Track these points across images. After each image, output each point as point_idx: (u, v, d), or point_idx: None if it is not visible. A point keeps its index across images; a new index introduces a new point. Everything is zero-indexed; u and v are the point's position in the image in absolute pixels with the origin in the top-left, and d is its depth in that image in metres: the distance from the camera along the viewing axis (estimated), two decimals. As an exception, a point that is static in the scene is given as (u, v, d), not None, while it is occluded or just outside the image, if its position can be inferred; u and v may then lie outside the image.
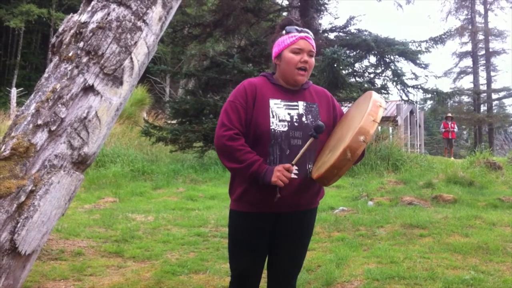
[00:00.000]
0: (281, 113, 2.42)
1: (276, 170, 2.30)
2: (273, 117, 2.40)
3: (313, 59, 2.50)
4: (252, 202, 2.45)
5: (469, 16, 36.40)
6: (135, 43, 2.63)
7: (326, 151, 2.40)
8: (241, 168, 2.34)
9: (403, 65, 40.21)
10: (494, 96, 36.48)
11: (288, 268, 2.63)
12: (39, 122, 2.36)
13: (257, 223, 2.49)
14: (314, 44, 2.51)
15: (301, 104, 2.49)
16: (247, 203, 2.47)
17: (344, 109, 2.67)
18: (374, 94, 2.34)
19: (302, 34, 2.48)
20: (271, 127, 2.37)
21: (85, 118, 2.45)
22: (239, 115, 2.39)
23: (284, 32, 2.52)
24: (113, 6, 2.60)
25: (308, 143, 2.35)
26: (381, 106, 2.27)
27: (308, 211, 2.58)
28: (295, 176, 2.38)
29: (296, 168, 2.38)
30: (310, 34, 2.52)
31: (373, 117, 2.20)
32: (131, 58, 2.61)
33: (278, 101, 2.45)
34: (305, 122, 2.44)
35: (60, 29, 2.64)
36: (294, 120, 2.42)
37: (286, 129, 2.39)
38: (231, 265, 2.62)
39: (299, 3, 15.06)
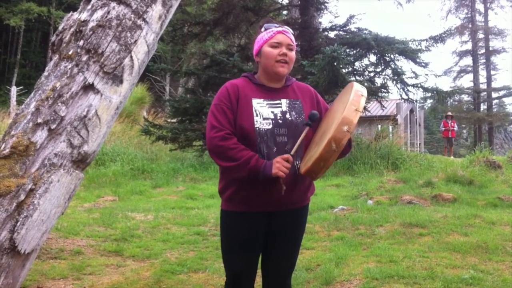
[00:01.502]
0: (264, 112, 2.43)
1: (275, 162, 2.30)
2: (257, 115, 2.41)
3: (293, 53, 2.51)
4: (244, 201, 2.45)
5: (469, 15, 36.37)
6: (135, 41, 2.63)
7: (313, 146, 2.40)
8: (237, 166, 2.32)
9: (403, 64, 40.35)
10: (494, 95, 36.45)
11: (283, 267, 2.63)
12: (39, 120, 2.36)
13: (250, 222, 2.49)
14: (293, 38, 2.53)
15: (284, 102, 2.50)
16: (239, 203, 2.47)
17: None
18: (356, 85, 2.35)
19: (280, 29, 2.50)
20: (255, 126, 2.38)
21: (85, 116, 2.45)
22: (226, 116, 2.40)
23: (263, 29, 2.54)
24: (113, 4, 2.60)
25: (304, 132, 2.37)
26: (363, 95, 2.28)
27: (300, 209, 2.59)
28: (284, 176, 2.38)
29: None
30: (289, 30, 2.55)
31: (355, 106, 2.21)
32: (131, 57, 2.61)
33: (261, 100, 2.46)
34: (289, 119, 2.45)
35: (60, 28, 2.64)
36: (278, 117, 2.43)
37: (270, 127, 2.40)
38: (225, 265, 2.61)
39: (299, 2, 15.03)
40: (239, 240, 2.51)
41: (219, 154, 2.37)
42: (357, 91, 2.28)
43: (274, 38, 2.47)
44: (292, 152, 2.34)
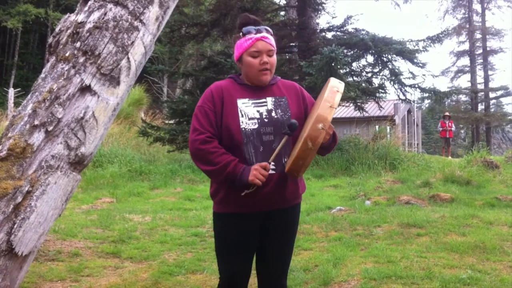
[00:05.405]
0: (250, 112, 2.44)
1: (253, 169, 2.31)
2: (242, 116, 2.41)
3: (273, 58, 2.50)
4: (235, 203, 2.45)
5: (467, 15, 36.45)
6: (132, 43, 2.63)
7: (296, 143, 2.41)
8: (216, 170, 2.35)
9: (401, 64, 40.30)
10: (491, 95, 36.53)
11: (277, 266, 2.63)
12: (36, 122, 2.36)
13: (243, 223, 2.50)
14: (272, 43, 2.50)
15: (269, 100, 2.50)
16: (230, 205, 2.48)
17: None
18: (332, 80, 2.34)
19: (258, 35, 2.46)
20: (241, 126, 2.39)
21: (82, 118, 2.44)
22: (209, 118, 2.41)
23: (241, 34, 2.51)
24: (110, 6, 2.60)
25: (283, 141, 2.37)
26: (339, 91, 2.27)
27: (292, 207, 2.59)
28: (273, 172, 2.40)
29: (273, 163, 2.39)
30: (268, 32, 2.51)
31: (330, 103, 2.20)
32: (128, 58, 2.61)
33: (246, 100, 2.47)
34: (275, 117, 2.45)
35: (57, 29, 2.64)
36: (264, 116, 2.44)
37: (256, 126, 2.41)
38: (220, 267, 2.63)
39: (296, 3, 15.06)
40: (233, 242, 2.53)
41: (199, 158, 2.40)
42: (332, 87, 2.27)
43: (253, 47, 2.44)
44: (271, 160, 2.35)
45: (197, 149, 2.38)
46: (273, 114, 2.46)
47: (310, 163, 2.28)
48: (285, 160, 2.44)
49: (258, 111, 2.45)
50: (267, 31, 2.51)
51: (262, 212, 2.49)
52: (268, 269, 2.62)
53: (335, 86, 2.28)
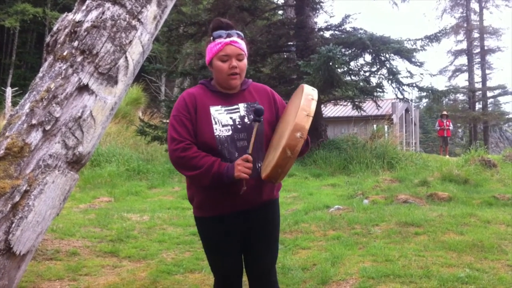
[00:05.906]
0: (223, 119, 2.45)
1: (236, 165, 2.34)
2: (216, 123, 2.43)
3: (243, 62, 2.50)
4: (212, 206, 2.49)
5: (464, 14, 36.50)
6: (130, 42, 2.63)
7: (271, 150, 2.44)
8: (201, 173, 2.36)
9: (398, 63, 40.48)
10: (489, 94, 36.59)
11: (264, 263, 2.66)
12: (34, 121, 2.36)
13: (223, 225, 2.53)
14: (242, 47, 2.50)
15: (241, 106, 2.52)
16: (208, 208, 2.52)
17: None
18: (306, 88, 2.36)
19: (227, 40, 2.46)
20: (215, 134, 2.41)
21: (80, 117, 2.44)
22: (185, 126, 2.42)
23: (211, 38, 2.51)
24: (107, 5, 2.60)
25: (255, 128, 2.38)
26: (313, 99, 2.29)
27: (269, 203, 2.62)
28: (248, 177, 2.41)
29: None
30: (239, 37, 2.51)
31: (307, 111, 2.23)
32: (126, 57, 2.61)
33: (219, 107, 2.48)
34: (248, 123, 2.48)
35: (54, 28, 2.64)
36: (237, 122, 2.46)
37: (230, 133, 2.43)
38: (211, 268, 2.67)
39: (294, 2, 15.04)
40: (217, 243, 2.57)
41: (182, 165, 2.41)
42: (307, 95, 2.29)
43: (223, 51, 2.45)
44: (249, 151, 2.36)
45: (178, 158, 2.39)
46: (246, 120, 2.48)
47: (289, 170, 2.31)
48: (259, 165, 2.47)
49: (231, 118, 2.47)
50: (238, 35, 2.51)
51: (240, 211, 2.52)
52: (255, 266, 2.65)
53: (309, 94, 2.31)
